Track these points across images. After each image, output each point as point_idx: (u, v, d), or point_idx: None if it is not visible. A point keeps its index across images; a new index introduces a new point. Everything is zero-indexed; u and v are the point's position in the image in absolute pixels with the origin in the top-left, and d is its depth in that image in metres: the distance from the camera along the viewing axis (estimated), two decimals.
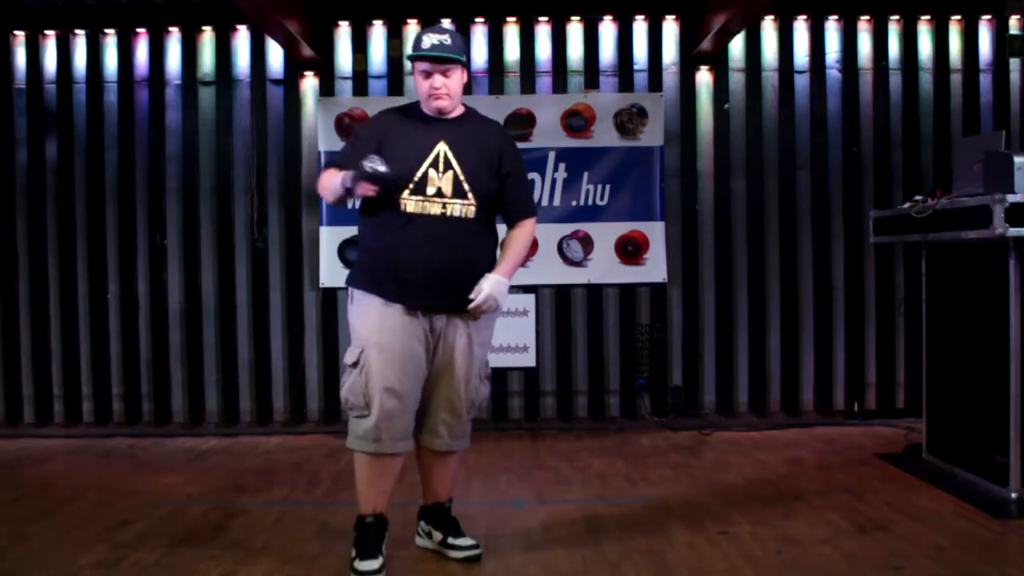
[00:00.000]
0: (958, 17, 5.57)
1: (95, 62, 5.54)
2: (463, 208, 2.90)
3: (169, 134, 5.53)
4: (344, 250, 5.38)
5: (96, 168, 5.52)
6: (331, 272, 5.42)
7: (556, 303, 5.52)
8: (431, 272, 2.85)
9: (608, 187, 5.46)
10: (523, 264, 5.38)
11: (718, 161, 5.54)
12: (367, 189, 2.77)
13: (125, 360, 5.51)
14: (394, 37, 5.51)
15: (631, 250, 5.47)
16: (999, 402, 3.61)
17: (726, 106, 5.55)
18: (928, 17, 5.56)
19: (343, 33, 5.55)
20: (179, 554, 3.15)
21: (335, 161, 2.99)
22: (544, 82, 5.56)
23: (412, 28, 5.50)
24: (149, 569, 3.01)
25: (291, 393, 5.49)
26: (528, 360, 5.45)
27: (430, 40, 2.89)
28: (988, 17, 5.57)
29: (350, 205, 2.97)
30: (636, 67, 5.56)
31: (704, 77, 5.55)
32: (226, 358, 5.51)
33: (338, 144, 5.34)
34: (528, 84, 5.54)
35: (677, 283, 5.53)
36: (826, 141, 5.55)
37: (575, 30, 5.56)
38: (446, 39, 2.91)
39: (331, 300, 5.47)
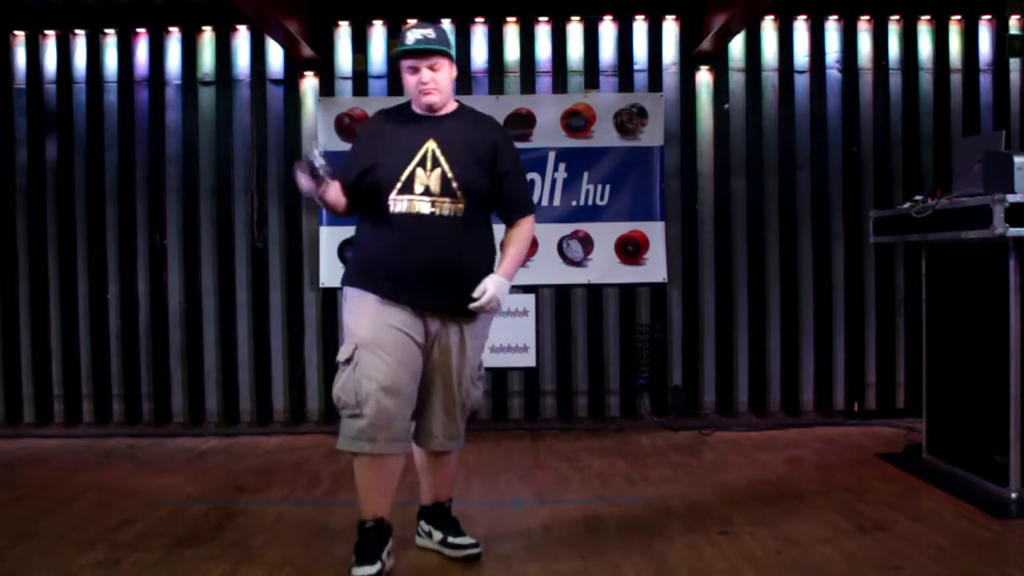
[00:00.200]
0: (958, 17, 5.57)
1: (95, 62, 5.54)
2: (452, 207, 2.86)
3: (169, 134, 5.53)
4: (344, 250, 5.38)
5: (96, 168, 5.52)
6: (331, 272, 5.42)
7: (556, 303, 5.52)
8: (421, 273, 2.82)
9: (608, 187, 5.46)
10: (523, 264, 5.45)
11: (718, 161, 5.55)
12: (305, 181, 2.73)
13: (125, 360, 5.51)
14: (394, 37, 5.51)
15: (631, 250, 5.47)
16: (999, 402, 3.60)
17: (726, 106, 5.55)
18: (928, 17, 5.56)
19: (343, 33, 5.55)
20: (179, 554, 3.15)
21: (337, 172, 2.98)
22: (544, 82, 5.56)
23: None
24: (149, 569, 3.01)
25: (291, 393, 5.49)
26: (528, 360, 5.45)
27: (413, 35, 2.87)
28: (988, 17, 5.57)
29: (317, 198, 2.85)
30: (636, 67, 5.56)
31: (704, 77, 5.55)
32: (226, 358, 5.51)
33: (338, 144, 5.35)
34: (528, 84, 5.54)
35: (677, 283, 5.53)
36: (826, 141, 5.55)
37: (575, 30, 5.56)
38: (430, 33, 2.88)
39: (331, 300, 5.47)
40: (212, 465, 4.57)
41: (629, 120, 5.47)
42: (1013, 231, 3.37)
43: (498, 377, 5.45)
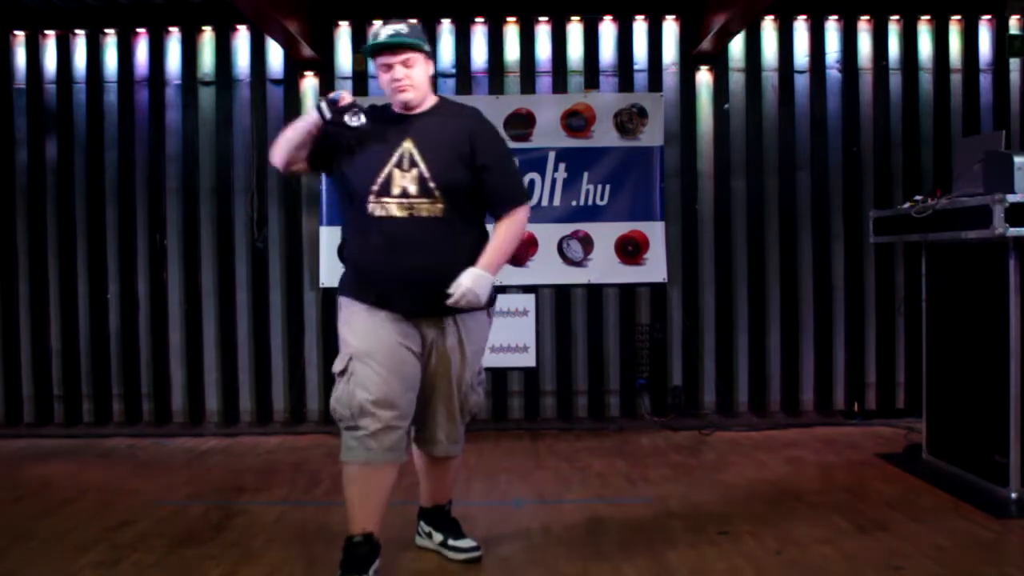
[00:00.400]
0: (958, 17, 5.57)
1: (95, 62, 5.54)
2: (430, 208, 2.74)
3: (169, 134, 5.53)
4: (344, 250, 5.37)
5: (96, 168, 5.52)
6: (331, 272, 5.41)
7: (556, 303, 5.52)
8: (405, 279, 2.74)
9: (608, 187, 5.46)
10: (522, 264, 5.47)
11: (718, 161, 5.54)
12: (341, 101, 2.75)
13: (125, 360, 5.51)
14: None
15: (631, 250, 5.46)
16: (999, 402, 3.60)
17: (726, 106, 5.55)
18: (928, 17, 5.56)
19: (343, 33, 5.55)
20: (179, 554, 3.15)
21: None
22: (544, 82, 5.56)
23: None
24: (149, 569, 3.01)
25: (291, 393, 5.49)
26: (528, 360, 5.45)
27: (386, 31, 2.77)
28: (988, 17, 5.57)
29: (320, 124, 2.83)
30: (636, 67, 5.56)
31: (704, 77, 5.55)
32: (226, 358, 5.51)
33: None
34: (528, 84, 5.54)
35: (677, 283, 5.53)
36: (826, 141, 5.55)
37: (575, 30, 5.56)
38: (402, 28, 2.78)
39: (331, 300, 5.41)
40: (212, 465, 4.57)
41: (629, 120, 5.47)
42: (1013, 231, 3.37)
43: (498, 377, 5.45)
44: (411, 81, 2.77)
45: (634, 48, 5.56)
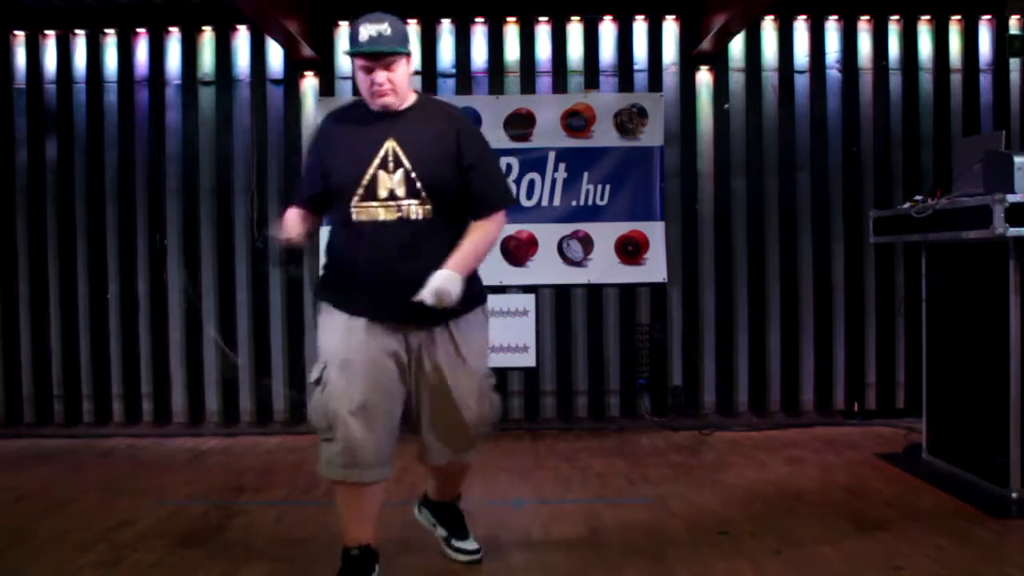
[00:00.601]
0: (958, 17, 5.57)
1: (95, 62, 5.53)
2: (418, 209, 2.62)
3: (169, 134, 5.52)
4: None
5: (96, 168, 5.52)
6: None
7: (556, 303, 5.52)
8: (392, 284, 2.60)
9: (608, 187, 5.46)
10: (522, 264, 5.46)
11: (718, 161, 5.54)
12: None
13: (125, 360, 5.51)
14: None
15: (631, 250, 5.46)
16: (999, 402, 3.60)
17: (726, 106, 5.54)
18: (928, 17, 5.56)
19: (343, 33, 5.55)
20: (179, 554, 3.15)
21: (297, 193, 2.89)
22: (544, 82, 5.56)
23: (411, 28, 5.49)
24: (149, 569, 3.01)
25: (291, 393, 5.49)
26: (528, 360, 5.45)
27: (367, 32, 2.60)
28: (988, 17, 5.57)
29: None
30: (636, 67, 5.56)
31: (704, 77, 5.55)
32: (226, 358, 5.50)
33: None
34: (528, 84, 5.54)
35: (677, 283, 5.53)
36: (826, 141, 5.54)
37: (575, 30, 5.56)
38: (384, 29, 2.60)
39: None
40: (212, 465, 4.57)
41: (629, 120, 5.47)
42: (1013, 231, 3.37)
43: (498, 377, 5.40)
44: (392, 85, 2.64)
45: (634, 48, 5.56)
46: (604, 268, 5.46)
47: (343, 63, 5.54)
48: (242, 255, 5.52)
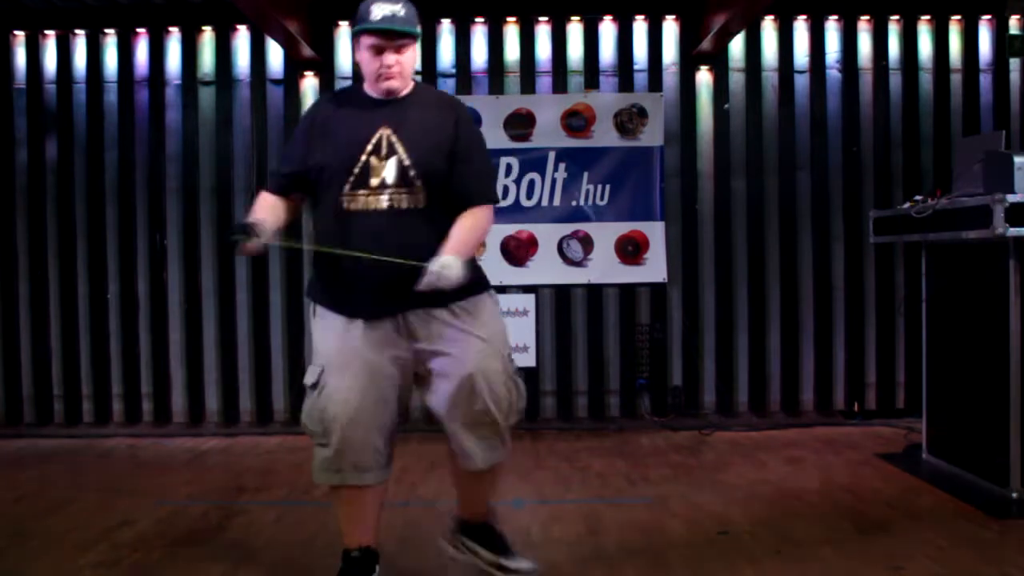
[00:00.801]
0: (958, 17, 5.57)
1: (95, 62, 5.53)
2: (411, 199, 2.52)
3: (169, 134, 5.53)
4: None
5: (96, 168, 5.52)
6: None
7: (556, 303, 5.52)
8: (386, 279, 2.48)
9: (608, 187, 5.46)
10: (522, 264, 5.46)
11: (718, 161, 5.54)
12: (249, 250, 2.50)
13: (125, 360, 5.51)
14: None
15: (631, 250, 5.46)
16: (999, 402, 3.60)
17: (726, 106, 5.55)
18: (928, 17, 5.56)
19: (343, 33, 5.55)
20: (179, 554, 3.15)
21: (274, 174, 2.77)
22: (544, 82, 5.56)
23: None
24: (149, 569, 3.01)
25: (291, 393, 5.48)
26: (528, 360, 5.44)
27: (381, 10, 2.49)
28: (988, 17, 5.57)
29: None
30: (636, 67, 5.56)
31: (704, 77, 5.55)
32: (226, 358, 5.51)
33: None
34: (528, 84, 5.54)
35: (677, 283, 5.53)
36: (826, 141, 5.54)
37: (575, 30, 5.55)
38: (399, 9, 2.51)
39: None
40: (212, 465, 4.57)
41: (629, 120, 5.47)
42: (1013, 231, 3.37)
43: None
44: (400, 68, 2.55)
45: (634, 48, 5.56)
46: (604, 268, 5.46)
47: (343, 63, 5.54)
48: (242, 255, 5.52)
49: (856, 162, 5.54)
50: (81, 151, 5.53)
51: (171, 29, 5.52)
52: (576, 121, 5.46)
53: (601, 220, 5.46)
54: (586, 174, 5.45)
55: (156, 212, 5.52)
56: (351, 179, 2.53)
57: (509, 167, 5.40)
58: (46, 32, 5.54)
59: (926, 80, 5.57)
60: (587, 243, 5.46)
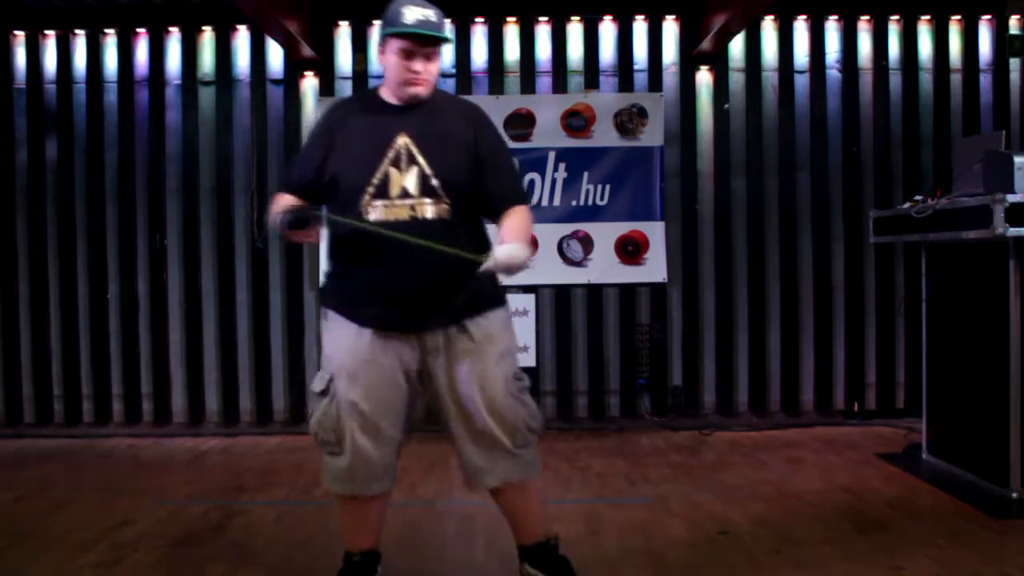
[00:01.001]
0: (958, 17, 5.57)
1: (95, 62, 5.53)
2: (435, 209, 2.47)
3: (169, 134, 5.53)
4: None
5: (96, 168, 5.52)
6: None
7: (556, 303, 5.51)
8: (406, 289, 2.46)
9: (608, 187, 5.46)
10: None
11: (718, 161, 5.54)
12: (288, 236, 2.44)
13: (125, 360, 5.51)
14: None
15: (631, 250, 5.47)
16: (999, 402, 3.60)
17: (726, 106, 5.55)
18: (928, 17, 5.56)
19: (343, 33, 5.55)
20: (179, 554, 3.15)
21: (287, 180, 2.67)
22: (544, 82, 5.56)
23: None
24: (149, 569, 3.01)
25: (291, 393, 5.49)
26: (528, 360, 5.44)
27: (414, 14, 2.43)
28: (988, 17, 5.57)
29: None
30: (636, 67, 5.56)
31: (704, 77, 5.55)
32: (226, 358, 5.51)
33: None
34: (528, 84, 5.54)
35: (677, 283, 5.53)
36: (826, 141, 5.54)
37: (575, 30, 5.56)
38: (431, 15, 2.45)
39: None
40: (212, 465, 4.57)
41: (629, 120, 5.47)
42: (1013, 231, 3.37)
43: None
44: (429, 76, 2.50)
45: (634, 48, 5.56)
46: (604, 268, 5.46)
47: (343, 63, 5.54)
48: (242, 255, 5.52)
49: (856, 162, 5.54)
50: (81, 151, 5.53)
51: (171, 29, 5.52)
52: (576, 121, 5.46)
53: (601, 220, 5.45)
54: (586, 174, 5.45)
55: (156, 212, 5.52)
56: (370, 189, 2.47)
57: None
58: (46, 32, 5.54)
59: (926, 80, 5.57)
60: (587, 243, 5.46)
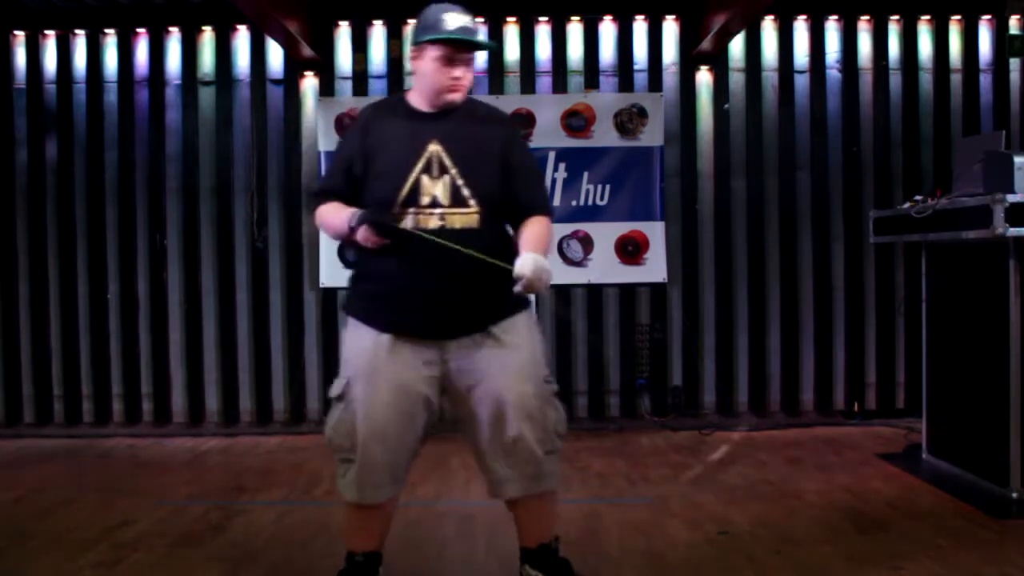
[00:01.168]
0: (958, 17, 5.57)
1: (95, 62, 5.53)
2: (465, 218, 2.45)
3: (169, 134, 5.53)
4: (344, 250, 5.36)
5: (96, 168, 5.52)
6: (331, 272, 5.42)
7: (556, 303, 5.51)
8: (434, 299, 2.44)
9: (608, 187, 5.46)
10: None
11: (718, 161, 5.54)
12: (370, 238, 2.39)
13: (125, 360, 5.51)
14: (394, 37, 5.52)
15: (631, 250, 5.47)
16: (999, 402, 3.60)
17: (726, 106, 5.54)
18: (928, 17, 5.56)
19: (343, 33, 5.55)
20: (179, 554, 3.15)
21: (323, 188, 2.61)
22: (544, 82, 5.56)
23: (412, 28, 5.49)
24: (149, 569, 3.01)
25: (291, 393, 5.49)
26: None
27: (455, 21, 2.44)
28: (988, 17, 5.57)
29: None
30: (636, 67, 5.56)
31: (704, 77, 5.55)
32: (226, 358, 5.51)
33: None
34: (528, 84, 5.54)
35: (677, 283, 5.53)
36: (826, 141, 5.54)
37: (575, 30, 5.56)
38: (469, 21, 2.46)
39: (331, 300, 5.47)
40: (212, 465, 4.57)
41: (629, 120, 5.47)
42: (1013, 231, 3.37)
43: None
44: (466, 83, 2.50)
45: (634, 48, 5.56)
46: (604, 268, 5.46)
47: (343, 63, 5.54)
48: (242, 255, 5.52)
49: (856, 162, 5.54)
50: (81, 151, 5.53)
51: (171, 29, 5.52)
52: (576, 121, 5.46)
53: (601, 220, 5.45)
54: (586, 174, 5.45)
55: (156, 212, 5.52)
56: (401, 197, 2.45)
57: None
58: (46, 32, 5.54)
59: (926, 80, 5.57)
60: (587, 243, 5.46)
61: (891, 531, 3.28)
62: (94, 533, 3.37)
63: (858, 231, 5.47)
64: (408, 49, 2.56)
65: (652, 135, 5.47)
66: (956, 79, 5.57)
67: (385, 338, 2.47)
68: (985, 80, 5.56)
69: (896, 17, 5.56)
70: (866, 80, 5.57)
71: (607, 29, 5.56)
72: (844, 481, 4.00)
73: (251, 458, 4.70)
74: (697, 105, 5.55)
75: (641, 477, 4.19)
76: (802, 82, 5.56)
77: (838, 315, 5.53)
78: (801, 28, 5.56)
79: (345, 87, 5.53)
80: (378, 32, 5.54)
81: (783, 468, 4.31)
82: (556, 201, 5.44)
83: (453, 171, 2.46)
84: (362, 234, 2.39)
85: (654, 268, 5.47)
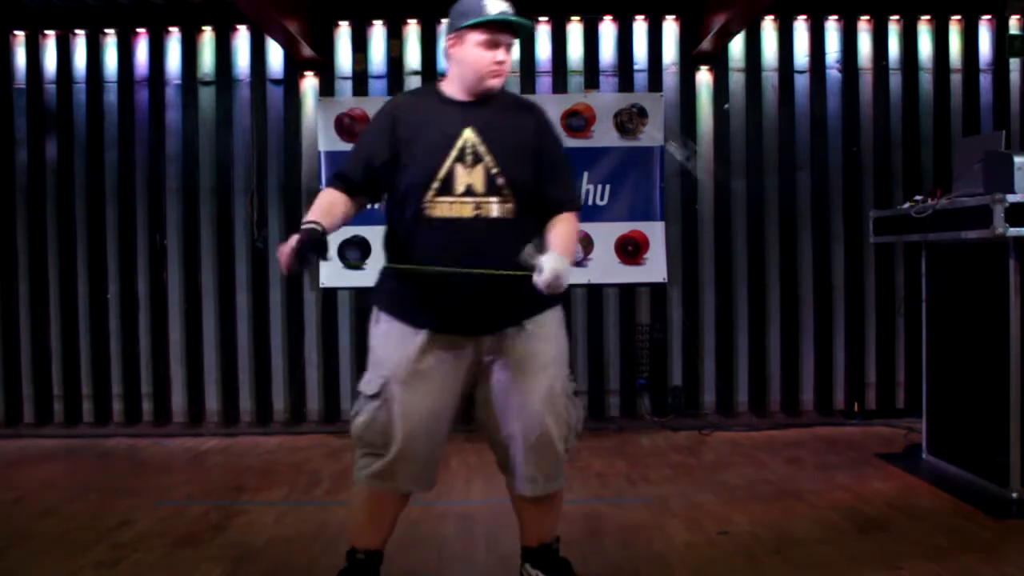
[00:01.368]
0: (958, 17, 5.57)
1: (95, 62, 5.53)
2: (500, 207, 2.42)
3: (169, 134, 5.53)
4: (344, 250, 5.37)
5: (96, 168, 5.52)
6: (331, 272, 5.42)
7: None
8: (468, 290, 2.40)
9: (608, 187, 5.46)
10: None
11: (718, 161, 5.54)
12: (290, 257, 2.29)
13: (125, 360, 5.51)
14: (394, 37, 5.52)
15: (631, 250, 5.46)
16: (999, 402, 3.60)
17: (726, 106, 5.55)
18: (928, 17, 5.56)
19: (343, 33, 5.55)
20: (179, 554, 3.15)
21: (340, 172, 2.53)
22: (544, 82, 5.56)
23: (412, 28, 5.51)
24: (149, 569, 3.01)
25: (291, 393, 5.49)
26: None
27: (496, 6, 2.38)
28: (988, 17, 5.57)
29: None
30: (636, 67, 5.56)
31: (704, 77, 5.55)
32: (226, 358, 5.51)
33: (338, 144, 5.36)
34: (528, 84, 5.54)
35: (677, 283, 5.53)
36: (826, 141, 5.55)
37: (575, 30, 5.56)
38: (508, 7, 2.41)
39: (331, 300, 5.47)
40: (212, 465, 4.57)
41: (629, 120, 5.47)
42: (1013, 231, 3.37)
43: None
44: (507, 68, 2.46)
45: (634, 48, 5.56)
46: (604, 268, 5.46)
47: (343, 63, 5.54)
48: (242, 255, 5.52)
49: (856, 162, 5.54)
50: (81, 151, 5.53)
51: (171, 29, 5.52)
52: (576, 121, 5.46)
53: (601, 220, 5.45)
54: (586, 174, 5.44)
55: (156, 212, 5.52)
56: (435, 185, 2.41)
57: None
58: (46, 32, 5.54)
59: (926, 80, 5.57)
60: (587, 243, 5.45)
61: (891, 531, 3.28)
62: (94, 533, 3.37)
63: (858, 231, 5.47)
64: (444, 40, 2.50)
65: (652, 135, 5.47)
66: (956, 79, 5.57)
67: (422, 335, 2.44)
68: (985, 80, 5.56)
69: (896, 17, 5.56)
70: (866, 80, 5.57)
71: (607, 29, 5.56)
72: (844, 481, 4.00)
73: (251, 458, 4.70)
74: (697, 105, 5.55)
75: (641, 477, 4.19)
76: (802, 82, 5.56)
77: (838, 315, 5.53)
78: (801, 28, 5.56)
79: (345, 87, 5.53)
80: (378, 32, 5.54)
81: (783, 468, 4.31)
82: None
83: (488, 159, 2.43)
84: (286, 247, 2.30)
85: (654, 268, 5.47)
